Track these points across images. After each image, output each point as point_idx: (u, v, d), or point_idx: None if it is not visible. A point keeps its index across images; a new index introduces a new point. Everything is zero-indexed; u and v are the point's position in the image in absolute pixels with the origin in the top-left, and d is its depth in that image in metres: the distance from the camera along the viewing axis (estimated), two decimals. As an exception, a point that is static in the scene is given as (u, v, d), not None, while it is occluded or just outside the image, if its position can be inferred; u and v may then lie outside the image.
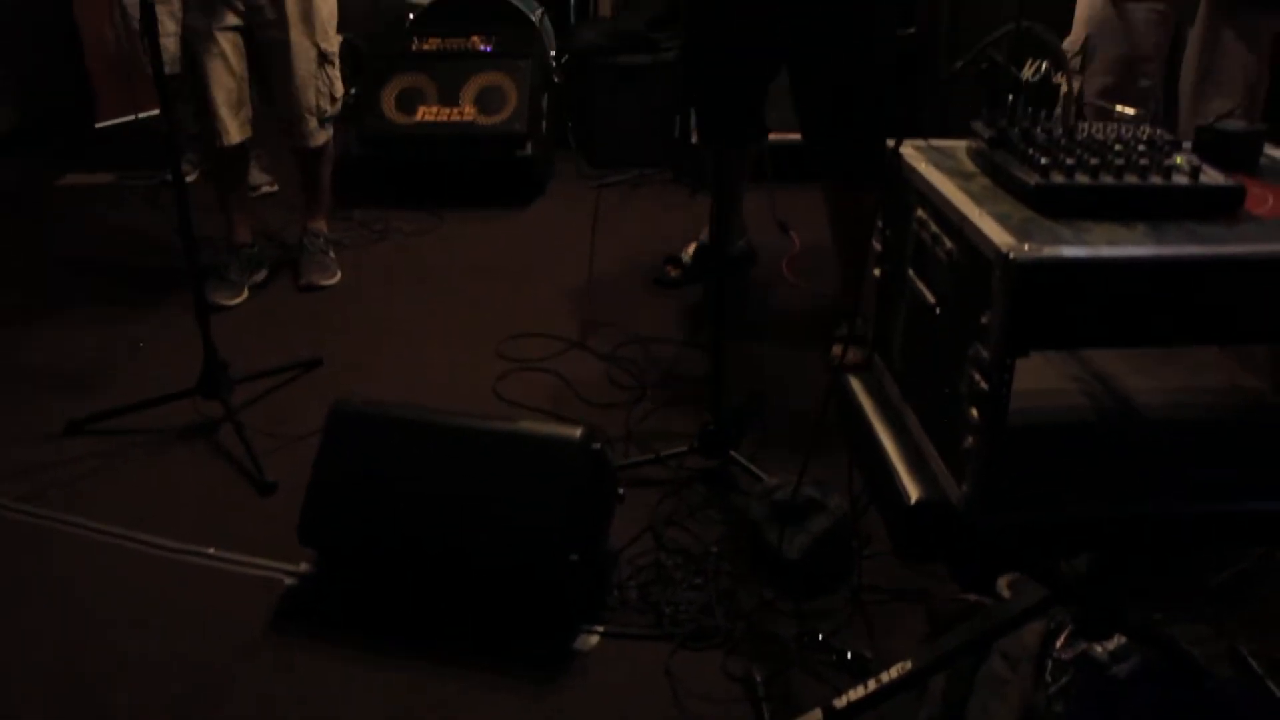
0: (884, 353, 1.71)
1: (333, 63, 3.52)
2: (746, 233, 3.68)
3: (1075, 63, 3.17)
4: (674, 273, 3.66)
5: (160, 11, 2.91)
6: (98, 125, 5.47)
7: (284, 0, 3.35)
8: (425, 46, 4.46)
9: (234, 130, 3.47)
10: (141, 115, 5.03)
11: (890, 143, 1.61)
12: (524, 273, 3.79)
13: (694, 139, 4.21)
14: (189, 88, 3.45)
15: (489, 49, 4.41)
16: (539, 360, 3.16)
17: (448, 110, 4.33)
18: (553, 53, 4.98)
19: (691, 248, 3.68)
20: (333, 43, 3.52)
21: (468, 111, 4.31)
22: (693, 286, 3.61)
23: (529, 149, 4.27)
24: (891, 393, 1.66)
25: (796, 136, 2.96)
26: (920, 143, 1.63)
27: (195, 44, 3.36)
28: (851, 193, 2.92)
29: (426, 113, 4.33)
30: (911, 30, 4.25)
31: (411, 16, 4.88)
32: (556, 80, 4.88)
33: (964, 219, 1.37)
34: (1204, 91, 2.93)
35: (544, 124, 4.51)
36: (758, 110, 3.13)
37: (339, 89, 3.59)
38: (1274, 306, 1.38)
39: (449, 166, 4.36)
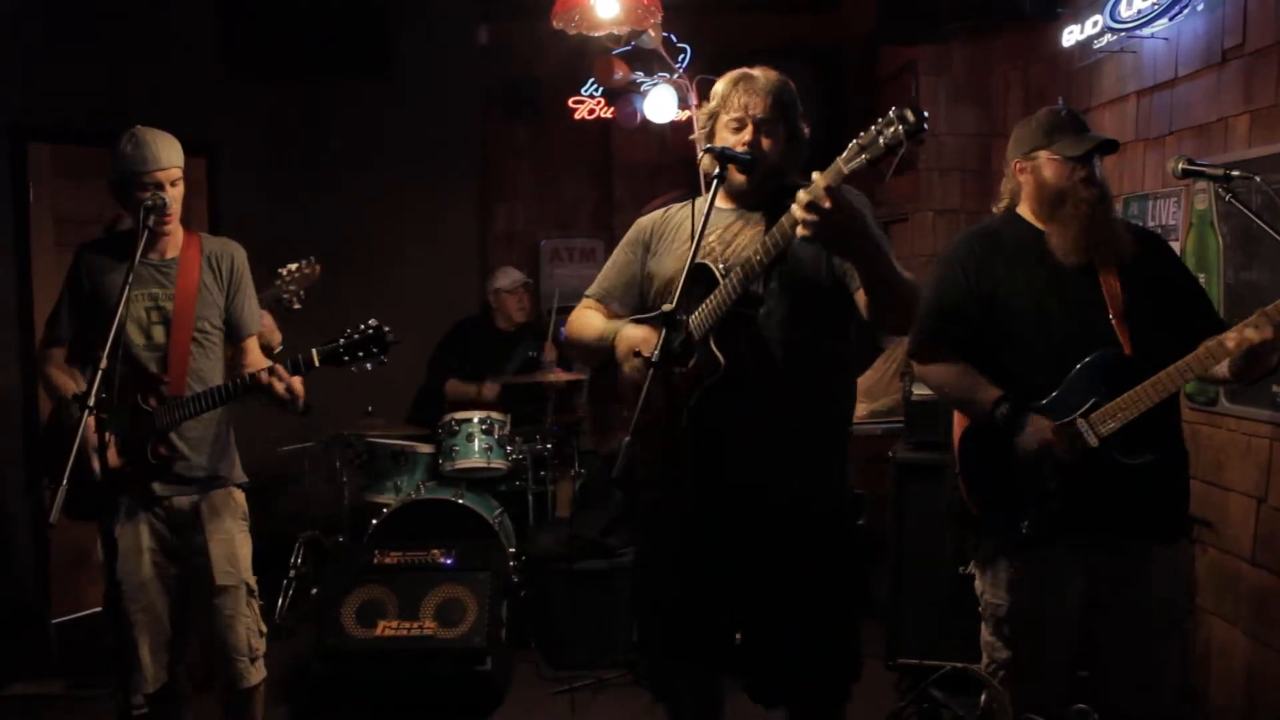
0: None
1: (255, 595, 3.44)
2: None
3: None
4: None
5: None
6: (54, 621, 5.42)
7: (208, 544, 3.32)
8: (387, 560, 4.55)
9: (156, 676, 3.33)
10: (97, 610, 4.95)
11: None
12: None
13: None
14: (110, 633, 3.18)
15: (450, 562, 4.52)
16: None
17: (408, 624, 4.37)
18: (511, 549, 5.12)
19: None
20: (252, 576, 3.45)
21: (428, 626, 4.35)
22: None
23: (489, 664, 4.28)
24: None
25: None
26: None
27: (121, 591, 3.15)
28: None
29: (386, 627, 4.37)
30: (860, 523, 4.43)
31: (375, 523, 5.04)
32: (516, 580, 4.98)
33: None
34: None
35: (504, 632, 4.55)
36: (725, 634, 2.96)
37: (262, 623, 3.48)
38: None
39: (407, 680, 4.34)
